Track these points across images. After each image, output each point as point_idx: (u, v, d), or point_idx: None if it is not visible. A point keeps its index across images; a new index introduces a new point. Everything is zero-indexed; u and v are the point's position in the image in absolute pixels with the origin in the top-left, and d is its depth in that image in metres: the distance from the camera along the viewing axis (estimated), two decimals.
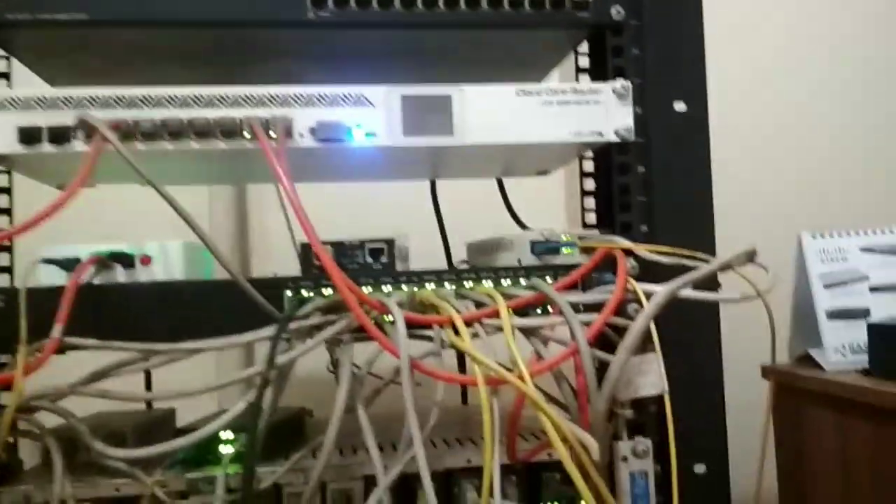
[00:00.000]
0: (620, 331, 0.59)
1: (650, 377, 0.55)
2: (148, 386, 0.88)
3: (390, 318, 0.58)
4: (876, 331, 0.85)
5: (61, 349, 0.56)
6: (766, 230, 0.96)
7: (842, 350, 0.92)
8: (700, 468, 0.68)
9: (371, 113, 0.65)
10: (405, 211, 0.96)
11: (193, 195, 1.00)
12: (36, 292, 0.59)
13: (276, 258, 1.13)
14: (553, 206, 1.19)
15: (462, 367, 0.86)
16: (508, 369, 0.53)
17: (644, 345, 0.58)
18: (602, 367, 0.58)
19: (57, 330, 0.54)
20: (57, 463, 0.57)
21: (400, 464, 0.54)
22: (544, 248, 0.68)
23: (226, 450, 0.65)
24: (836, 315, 0.94)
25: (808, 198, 1.31)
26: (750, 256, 0.56)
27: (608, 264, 0.66)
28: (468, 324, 0.58)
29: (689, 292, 0.58)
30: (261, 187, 1.17)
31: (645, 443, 0.67)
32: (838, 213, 1.28)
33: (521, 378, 0.52)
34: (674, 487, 0.58)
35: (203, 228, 0.60)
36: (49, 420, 0.61)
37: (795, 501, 0.96)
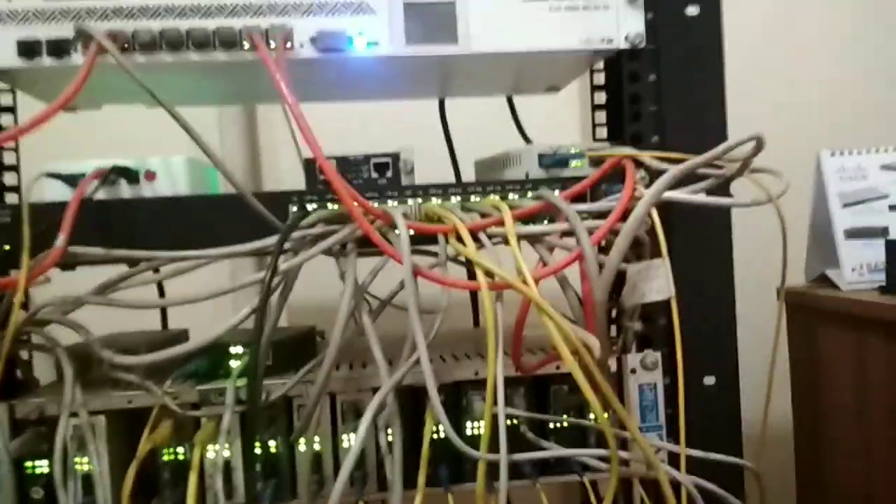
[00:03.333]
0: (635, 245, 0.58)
1: (656, 282, 0.54)
2: (164, 320, 0.90)
3: (396, 232, 0.57)
4: (895, 249, 0.83)
5: (67, 262, 0.56)
6: (784, 149, 0.94)
7: (859, 269, 0.91)
8: (709, 380, 0.67)
9: (373, 20, 0.64)
10: (414, 133, 0.94)
11: (203, 117, 1.00)
12: (41, 207, 0.59)
13: (286, 179, 1.12)
14: (568, 128, 1.17)
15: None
16: None
17: (652, 253, 0.57)
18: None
19: (61, 239, 0.54)
20: (67, 373, 0.58)
21: (406, 366, 0.54)
22: (552, 160, 0.67)
23: (236, 364, 0.66)
24: (854, 234, 0.92)
25: (827, 116, 1.27)
26: (758, 144, 0.54)
27: (618, 176, 0.64)
28: (473, 234, 0.57)
29: (699, 197, 0.57)
30: (270, 109, 1.17)
31: (654, 355, 0.67)
32: (858, 130, 1.24)
33: (524, 283, 0.51)
34: (680, 397, 0.57)
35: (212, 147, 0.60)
36: (64, 339, 0.62)
37: (811, 420, 0.97)
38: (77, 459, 0.61)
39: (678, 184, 0.58)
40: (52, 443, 0.60)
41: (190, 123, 0.59)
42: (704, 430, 0.66)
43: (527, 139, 0.89)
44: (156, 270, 0.59)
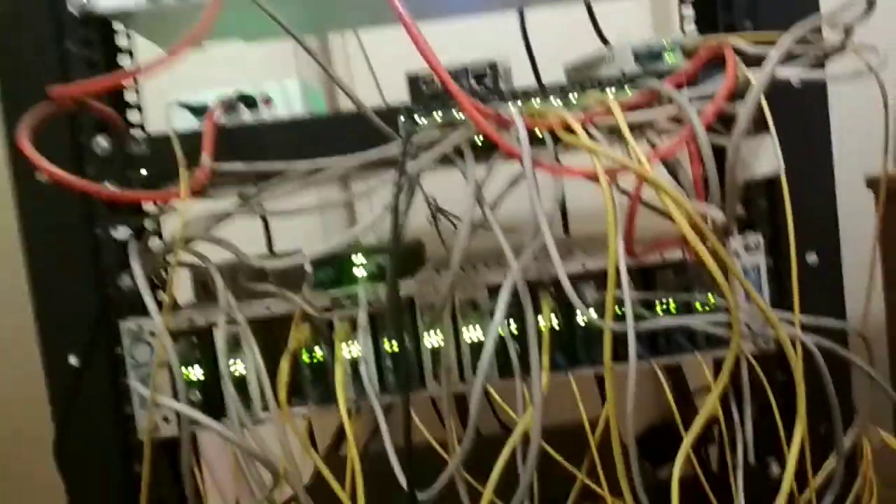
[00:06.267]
0: (731, 123, 0.60)
1: (765, 157, 0.56)
2: (269, 241, 0.96)
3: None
4: None
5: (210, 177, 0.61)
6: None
7: None
8: (812, 257, 0.69)
9: None
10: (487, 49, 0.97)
11: (280, 51, 1.05)
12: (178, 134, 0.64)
13: None
14: (641, 31, 1.17)
15: None
16: None
17: (755, 129, 0.59)
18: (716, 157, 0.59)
19: (206, 158, 0.59)
20: (220, 283, 0.64)
21: (531, 247, 0.57)
22: (647, 54, 0.69)
23: (359, 271, 0.72)
24: None
25: None
26: (870, 4, 0.55)
27: (714, 67, 0.66)
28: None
29: (797, 71, 0.58)
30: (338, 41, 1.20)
31: (755, 237, 0.69)
32: None
33: (639, 164, 0.54)
34: (793, 265, 0.60)
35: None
36: None
37: None
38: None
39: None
40: (203, 350, 0.67)
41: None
42: (810, 305, 0.68)
43: (606, 43, 0.90)
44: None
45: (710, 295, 0.67)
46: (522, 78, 0.95)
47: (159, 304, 0.64)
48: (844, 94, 0.73)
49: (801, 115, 0.67)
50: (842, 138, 0.85)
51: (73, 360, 0.67)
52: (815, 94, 0.67)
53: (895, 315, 1.00)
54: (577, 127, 0.58)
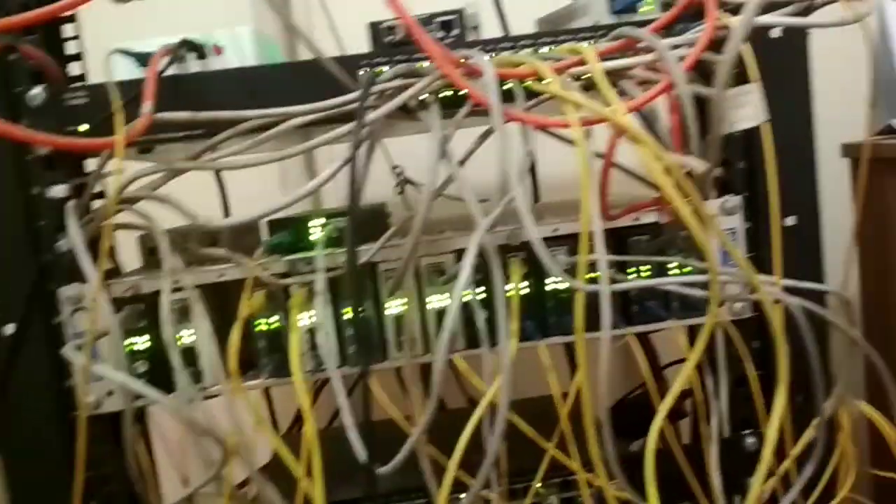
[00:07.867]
0: (710, 75, 0.57)
1: (748, 109, 0.53)
2: (224, 203, 0.91)
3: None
4: None
5: (148, 139, 0.56)
6: None
7: None
8: (791, 220, 0.66)
9: None
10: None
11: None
12: (118, 84, 0.59)
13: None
14: None
15: None
16: None
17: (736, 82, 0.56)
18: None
19: (147, 106, 0.54)
20: (164, 246, 0.59)
21: (500, 207, 0.53)
22: (623, 4, 0.65)
23: (317, 236, 0.67)
24: None
25: None
26: None
27: (693, 18, 0.62)
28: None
29: (782, 19, 0.55)
30: None
31: (734, 199, 0.66)
32: None
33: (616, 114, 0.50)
34: (774, 228, 0.57)
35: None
36: None
37: (877, 271, 0.96)
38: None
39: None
40: (151, 318, 0.63)
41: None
42: (789, 269, 0.65)
43: None
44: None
45: (682, 262, 0.64)
46: (491, 33, 0.91)
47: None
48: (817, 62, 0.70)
49: (782, 68, 0.64)
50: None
51: (8, 329, 0.62)
52: (796, 47, 0.64)
53: (869, 276, 0.98)
54: (550, 74, 0.54)
